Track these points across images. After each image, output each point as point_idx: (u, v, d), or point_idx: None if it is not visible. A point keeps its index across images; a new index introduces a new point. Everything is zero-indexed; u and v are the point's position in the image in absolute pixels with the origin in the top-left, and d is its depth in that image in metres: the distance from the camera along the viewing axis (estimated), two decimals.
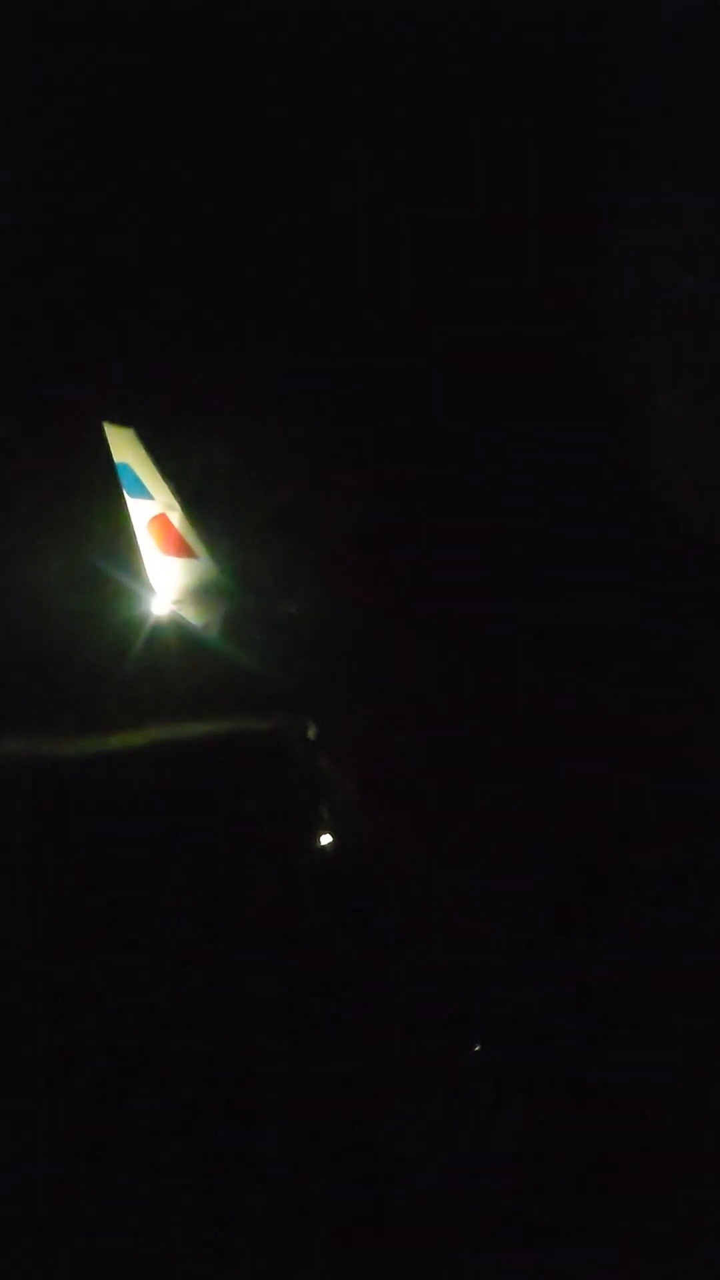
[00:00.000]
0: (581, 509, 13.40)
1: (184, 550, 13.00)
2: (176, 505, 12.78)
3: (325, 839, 12.01)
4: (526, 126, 12.87)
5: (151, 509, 12.83)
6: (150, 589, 13.06)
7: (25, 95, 11.78)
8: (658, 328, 13.03)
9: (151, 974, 10.71)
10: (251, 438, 12.92)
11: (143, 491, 12.71)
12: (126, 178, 12.49)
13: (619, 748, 11.86)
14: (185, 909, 11.43)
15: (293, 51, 12.08)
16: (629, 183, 13.00)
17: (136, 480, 12.66)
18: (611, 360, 13.34)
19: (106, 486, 12.65)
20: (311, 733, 12.47)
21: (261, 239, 12.83)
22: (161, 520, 12.87)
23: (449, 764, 11.96)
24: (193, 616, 13.07)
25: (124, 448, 12.51)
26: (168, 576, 13.08)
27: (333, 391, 13.04)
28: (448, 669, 12.53)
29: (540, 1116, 8.98)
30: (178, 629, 13.02)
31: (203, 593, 13.14)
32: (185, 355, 12.71)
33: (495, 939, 10.96)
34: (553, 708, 12.07)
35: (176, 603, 13.08)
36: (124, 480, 12.65)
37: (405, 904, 11.32)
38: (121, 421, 12.38)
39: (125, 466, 12.59)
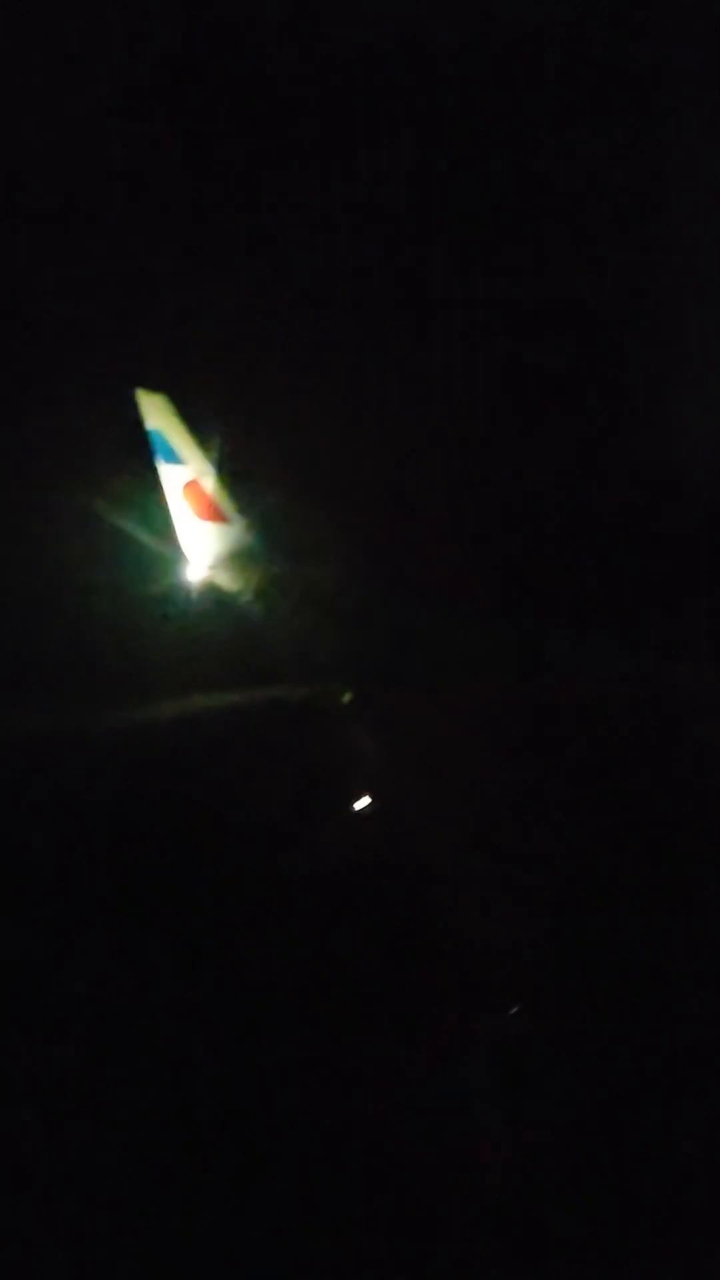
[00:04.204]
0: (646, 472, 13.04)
1: (217, 516, 12.91)
2: (209, 470, 12.67)
3: (359, 805, 11.89)
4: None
5: (184, 475, 12.76)
6: (184, 556, 13.00)
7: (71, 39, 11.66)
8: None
9: (191, 939, 10.77)
10: (287, 400, 12.73)
11: (175, 457, 12.65)
12: (156, 130, 12.32)
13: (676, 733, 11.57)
14: (221, 876, 11.45)
15: None
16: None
17: (169, 446, 12.59)
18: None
19: (139, 453, 12.58)
20: (346, 700, 12.33)
21: (297, 196, 12.60)
22: (194, 486, 12.80)
23: (487, 735, 11.72)
24: (227, 583, 12.99)
25: (156, 413, 12.44)
26: (201, 543, 13.00)
27: (373, 351, 12.78)
28: (488, 637, 12.26)
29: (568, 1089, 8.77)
30: (212, 596, 12.94)
31: (237, 559, 13.04)
32: (218, 318, 12.54)
33: (530, 909, 10.80)
34: (603, 685, 11.81)
35: (210, 569, 13.01)
36: (156, 446, 12.60)
37: (439, 872, 11.20)
38: (153, 387, 12.29)
39: (157, 432, 12.52)
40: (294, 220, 12.57)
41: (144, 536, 12.84)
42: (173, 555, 12.94)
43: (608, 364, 13.45)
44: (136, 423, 12.48)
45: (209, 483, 12.74)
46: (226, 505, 12.83)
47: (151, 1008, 10.05)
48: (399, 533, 12.75)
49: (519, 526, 12.93)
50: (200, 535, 12.92)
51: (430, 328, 12.60)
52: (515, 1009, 10.12)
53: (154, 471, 12.68)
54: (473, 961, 10.41)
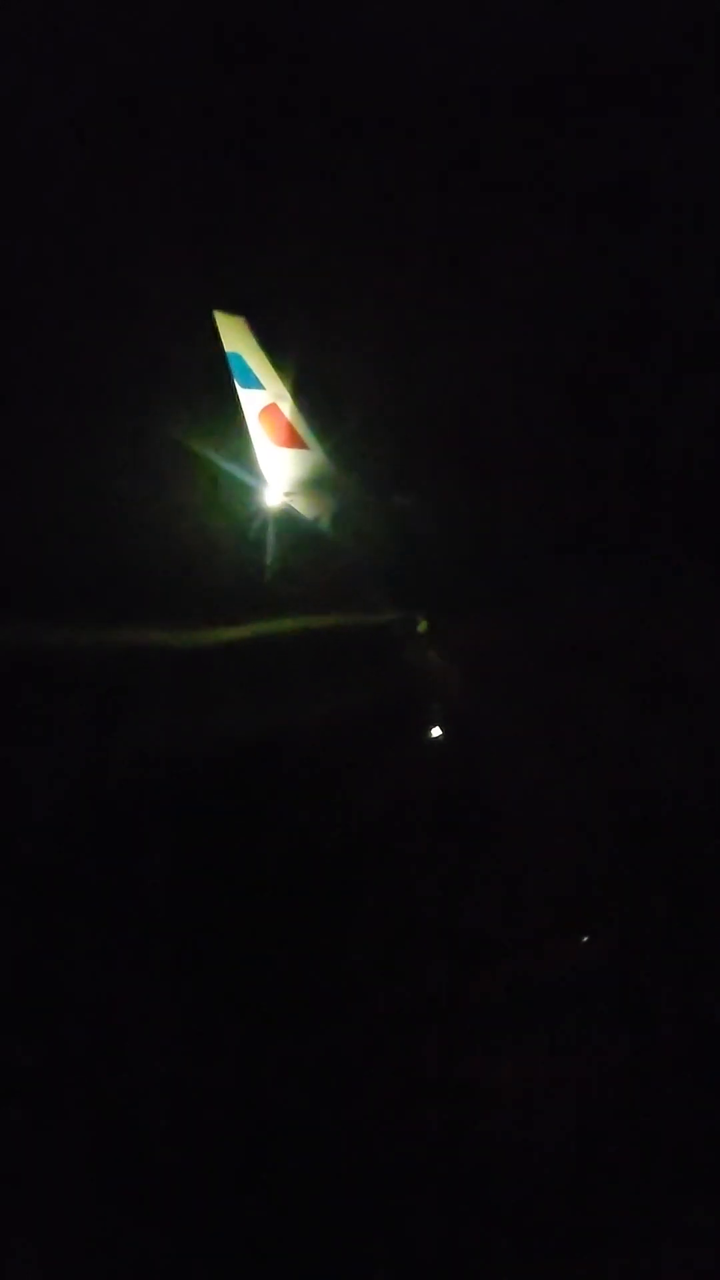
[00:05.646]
0: None
1: (296, 441, 12.86)
2: (288, 395, 12.54)
3: (435, 733, 12.19)
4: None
5: (263, 399, 12.66)
6: (262, 481, 13.04)
7: None
8: None
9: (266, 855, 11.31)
10: (366, 325, 12.47)
11: (254, 382, 12.53)
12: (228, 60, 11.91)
13: None
14: (298, 798, 11.92)
15: None
16: None
17: (248, 370, 12.47)
18: None
19: (218, 376, 12.51)
20: (423, 628, 12.48)
21: (372, 124, 12.10)
22: (273, 411, 12.71)
23: (561, 664, 11.83)
24: (305, 509, 13.02)
25: (235, 337, 12.29)
26: (280, 468, 13.00)
27: (453, 275, 12.42)
28: (563, 565, 12.25)
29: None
30: (290, 522, 13.01)
31: (315, 485, 13.03)
32: (300, 240, 12.23)
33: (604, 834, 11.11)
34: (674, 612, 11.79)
35: (288, 495, 13.03)
36: (235, 370, 12.49)
37: (513, 798, 11.51)
38: (233, 310, 12.11)
39: (236, 356, 12.39)
40: (368, 143, 12.11)
41: (223, 462, 12.91)
42: (252, 481, 12.99)
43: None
44: (215, 346, 12.34)
45: (287, 408, 12.64)
46: (305, 431, 12.75)
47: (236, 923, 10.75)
48: (480, 459, 12.62)
49: (595, 457, 12.71)
50: (279, 461, 12.92)
51: (516, 255, 12.17)
52: (587, 936, 10.62)
53: (233, 396, 12.60)
54: (547, 887, 10.87)
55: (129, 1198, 8.01)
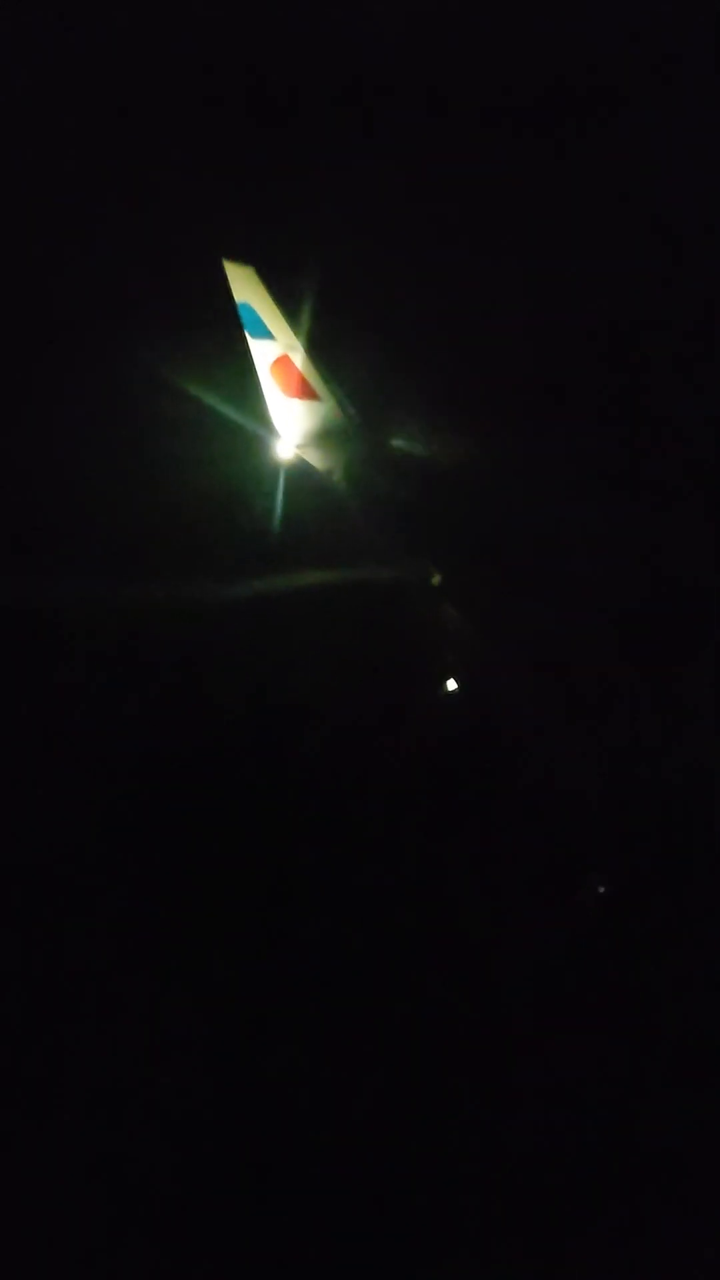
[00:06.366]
0: None
1: (307, 393, 12.70)
2: (299, 346, 12.33)
3: (450, 685, 12.28)
4: None
5: (274, 350, 12.48)
6: (274, 433, 12.94)
7: None
8: None
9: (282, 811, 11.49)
10: (377, 274, 12.26)
11: (264, 332, 12.33)
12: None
13: None
14: (312, 745, 12.07)
15: None
16: None
17: (258, 320, 12.27)
18: None
19: (227, 327, 12.33)
20: (436, 580, 12.49)
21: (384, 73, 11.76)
22: (284, 361, 12.54)
23: (574, 614, 11.87)
24: (317, 461, 12.93)
25: (244, 286, 12.05)
26: (291, 420, 12.89)
27: (463, 220, 12.15)
28: (580, 516, 12.20)
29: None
30: (302, 474, 12.95)
31: (327, 436, 12.91)
32: (308, 188, 11.96)
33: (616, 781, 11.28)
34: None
35: (300, 447, 12.94)
36: (245, 320, 12.29)
37: (527, 748, 11.66)
38: (242, 259, 11.88)
39: (246, 306, 12.18)
40: (378, 88, 11.78)
41: (234, 414, 12.80)
42: (263, 434, 12.89)
43: None
44: (225, 296, 12.14)
45: (299, 358, 12.46)
46: (318, 382, 12.59)
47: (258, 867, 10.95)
48: (492, 410, 12.50)
49: (612, 404, 12.59)
50: (291, 413, 12.80)
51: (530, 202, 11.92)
52: (600, 879, 10.85)
53: (243, 347, 12.44)
54: (560, 832, 11.07)
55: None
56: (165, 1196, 8.23)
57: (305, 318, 12.23)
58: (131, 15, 11.41)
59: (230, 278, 12.03)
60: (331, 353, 12.52)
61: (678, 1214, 8.11)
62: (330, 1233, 8.07)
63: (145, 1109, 8.62)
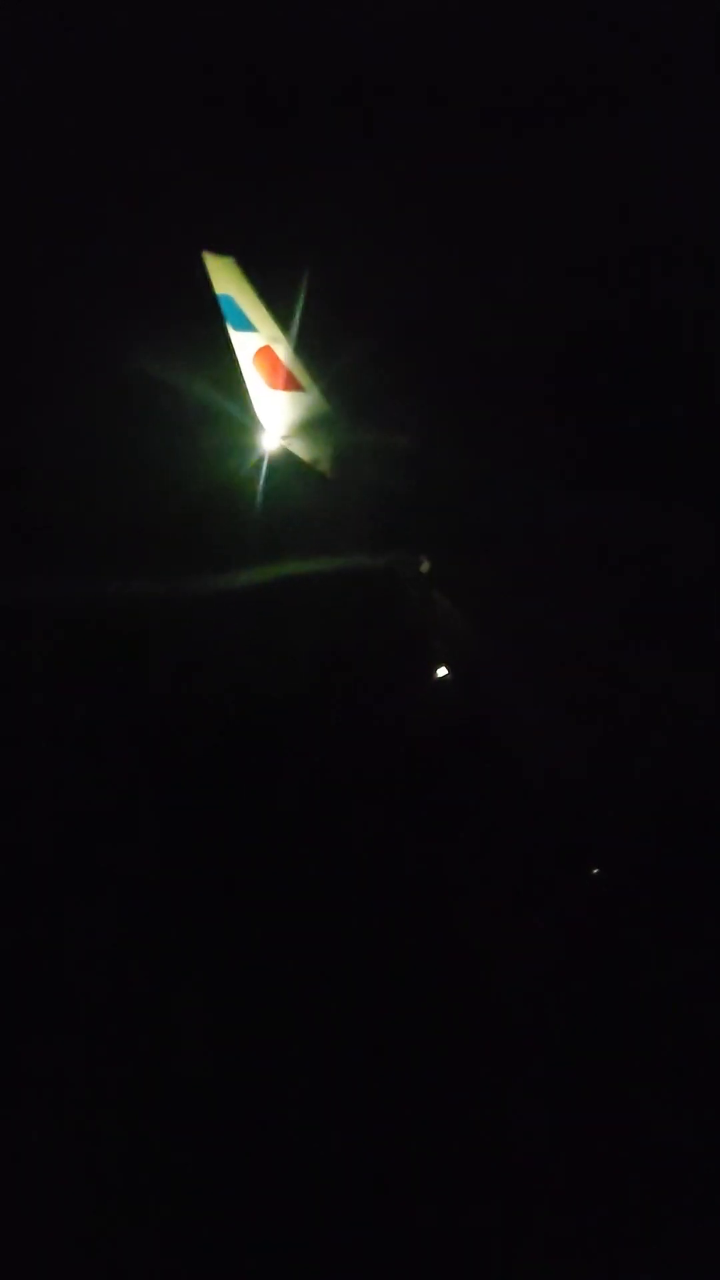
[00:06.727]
0: None
1: (291, 384, 12.66)
2: (282, 337, 12.28)
3: (440, 672, 12.35)
4: None
5: (256, 342, 12.42)
6: (259, 425, 12.92)
7: None
8: None
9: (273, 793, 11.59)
10: (362, 263, 12.20)
11: (246, 324, 12.27)
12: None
13: None
14: (304, 736, 12.14)
15: None
16: None
17: (239, 312, 12.20)
18: None
19: (209, 320, 12.26)
20: (425, 568, 12.52)
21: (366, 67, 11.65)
22: (267, 353, 12.49)
23: (564, 601, 11.93)
24: (302, 451, 12.92)
25: (225, 278, 11.96)
26: (276, 411, 12.85)
27: (449, 212, 12.10)
28: (567, 503, 12.24)
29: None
30: (288, 465, 12.93)
31: (312, 427, 12.89)
32: (288, 178, 11.86)
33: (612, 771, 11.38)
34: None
35: (286, 438, 12.93)
36: (227, 312, 12.22)
37: (518, 733, 11.74)
38: (221, 250, 11.78)
39: (227, 298, 12.10)
40: (361, 83, 11.68)
41: (217, 406, 12.77)
42: (247, 424, 12.86)
43: None
44: (206, 288, 12.06)
45: (282, 350, 12.40)
46: (301, 373, 12.55)
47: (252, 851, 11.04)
48: (480, 398, 12.49)
49: (599, 391, 12.60)
50: (275, 404, 12.76)
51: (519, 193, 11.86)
52: (596, 869, 10.97)
53: (225, 339, 12.38)
54: (554, 821, 11.18)
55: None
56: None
57: (287, 309, 12.18)
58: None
59: (210, 269, 11.95)
60: (314, 343, 12.47)
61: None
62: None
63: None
